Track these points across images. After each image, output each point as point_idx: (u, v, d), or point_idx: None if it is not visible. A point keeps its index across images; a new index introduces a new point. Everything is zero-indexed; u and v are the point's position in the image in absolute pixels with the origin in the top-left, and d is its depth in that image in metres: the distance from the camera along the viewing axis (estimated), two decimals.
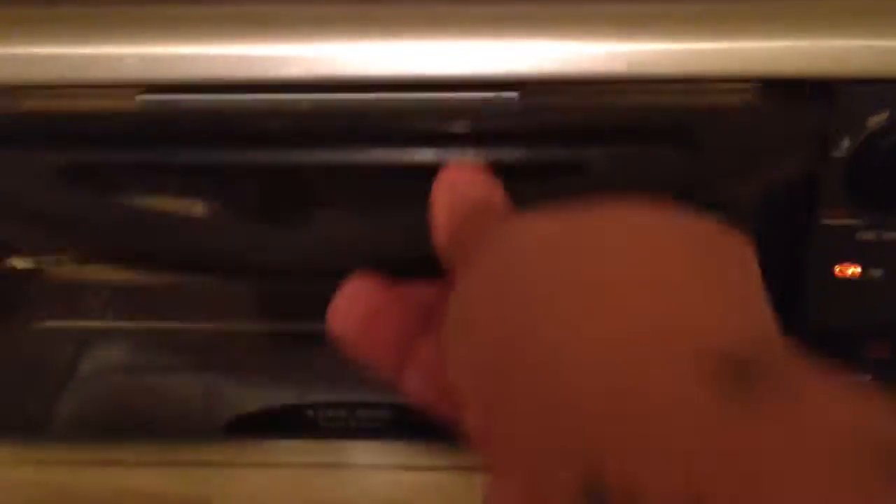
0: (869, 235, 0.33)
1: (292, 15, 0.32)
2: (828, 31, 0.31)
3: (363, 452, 0.41)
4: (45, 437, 0.43)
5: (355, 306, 0.26)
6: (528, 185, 0.31)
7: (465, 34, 0.32)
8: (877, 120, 0.31)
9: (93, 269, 0.45)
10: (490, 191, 0.27)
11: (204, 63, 0.32)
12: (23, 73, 0.33)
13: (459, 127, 0.33)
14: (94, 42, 0.32)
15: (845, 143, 0.32)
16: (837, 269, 0.34)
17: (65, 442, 0.42)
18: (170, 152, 0.34)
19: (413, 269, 0.29)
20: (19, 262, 0.43)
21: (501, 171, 0.31)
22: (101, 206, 0.34)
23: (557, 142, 0.31)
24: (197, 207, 0.34)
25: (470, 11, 0.32)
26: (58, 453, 0.42)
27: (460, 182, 0.27)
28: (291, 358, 0.45)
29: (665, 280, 0.20)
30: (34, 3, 0.34)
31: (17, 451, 0.42)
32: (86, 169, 0.34)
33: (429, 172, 0.29)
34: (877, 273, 0.34)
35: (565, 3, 0.32)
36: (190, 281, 0.45)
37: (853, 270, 0.34)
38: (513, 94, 0.32)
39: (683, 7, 0.32)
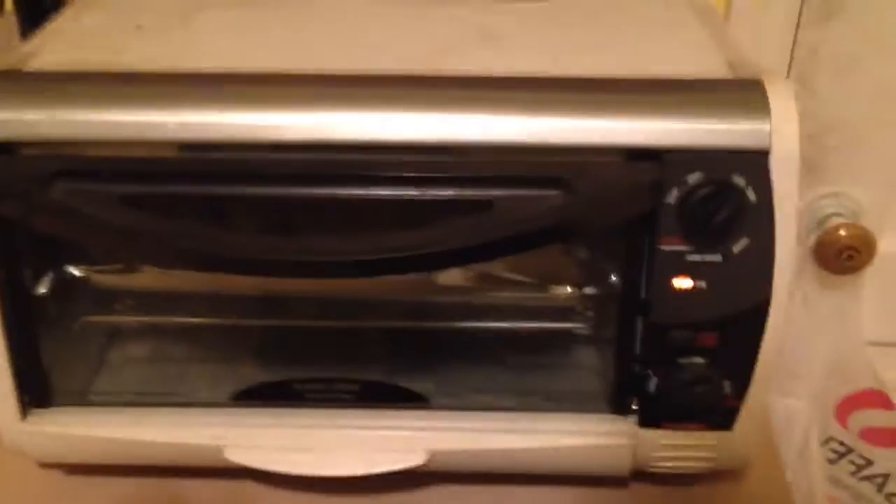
0: (695, 258, 0.47)
1: (289, 93, 0.46)
2: (662, 117, 0.45)
3: (336, 417, 0.53)
4: (91, 404, 0.55)
5: None
6: (455, 214, 0.45)
7: (417, 110, 0.46)
8: (694, 177, 0.45)
9: (127, 277, 0.58)
10: None
11: (222, 128, 0.46)
12: (95, 132, 0.46)
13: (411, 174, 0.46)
14: (145, 112, 0.46)
15: (674, 193, 0.45)
16: (674, 282, 0.47)
17: (104, 407, 0.55)
18: (198, 188, 0.47)
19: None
20: (74, 270, 0.56)
21: (438, 204, 0.45)
22: (148, 226, 0.47)
23: (475, 185, 0.45)
24: (217, 228, 0.47)
25: (421, 93, 0.46)
26: (99, 416, 0.54)
27: None
28: (282, 345, 0.58)
29: None
30: (103, 82, 0.48)
31: (69, 413, 0.54)
32: (137, 198, 0.47)
33: (386, 203, 0.43)
34: (702, 284, 0.47)
35: (485, 89, 0.47)
36: (203, 289, 0.58)
37: (685, 283, 0.47)
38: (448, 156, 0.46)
39: (567, 96, 0.46)
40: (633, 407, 0.51)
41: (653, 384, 0.50)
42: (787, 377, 0.91)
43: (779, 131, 0.44)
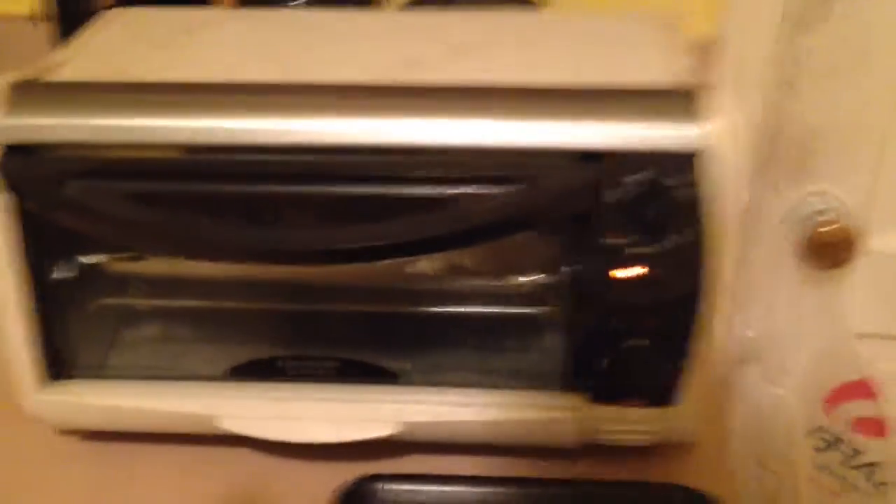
0: (634, 250, 0.52)
1: (279, 102, 0.52)
2: (602, 122, 0.50)
3: (316, 391, 0.60)
4: (104, 377, 0.62)
5: None
6: (424, 210, 0.51)
7: (391, 116, 0.52)
8: (631, 178, 0.50)
9: (138, 265, 0.65)
10: None
11: (224, 133, 0.52)
12: (110, 136, 0.53)
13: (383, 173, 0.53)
14: (149, 118, 0.52)
15: (613, 192, 0.51)
16: (615, 272, 0.53)
17: (115, 380, 0.61)
18: (191, 186, 0.54)
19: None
20: (90, 258, 0.63)
21: (410, 202, 0.51)
22: (149, 219, 0.54)
23: (441, 184, 0.51)
24: (211, 221, 0.54)
25: (408, 102, 0.52)
26: (109, 388, 0.61)
27: None
28: (272, 327, 0.64)
29: None
30: (119, 91, 0.54)
31: (84, 384, 0.61)
32: (140, 195, 0.54)
33: (363, 199, 0.50)
34: (641, 274, 0.52)
35: (449, 99, 0.52)
36: (205, 276, 0.65)
37: (625, 273, 0.53)
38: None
39: (512, 103, 0.52)
40: (585, 385, 0.57)
41: (599, 364, 0.55)
42: (775, 371, 0.95)
43: (706, 136, 0.50)
